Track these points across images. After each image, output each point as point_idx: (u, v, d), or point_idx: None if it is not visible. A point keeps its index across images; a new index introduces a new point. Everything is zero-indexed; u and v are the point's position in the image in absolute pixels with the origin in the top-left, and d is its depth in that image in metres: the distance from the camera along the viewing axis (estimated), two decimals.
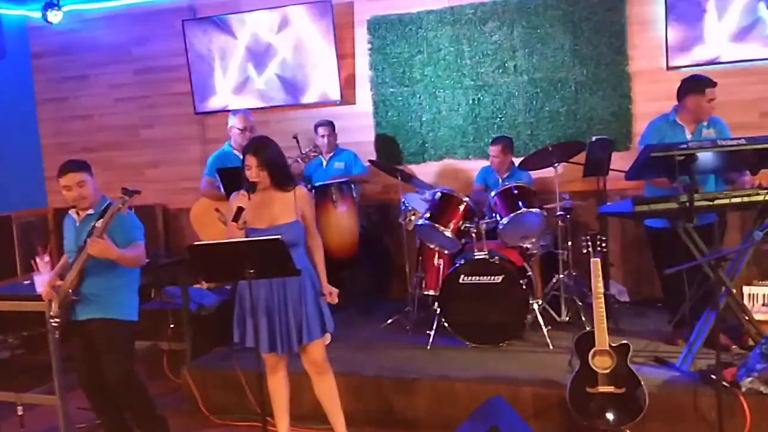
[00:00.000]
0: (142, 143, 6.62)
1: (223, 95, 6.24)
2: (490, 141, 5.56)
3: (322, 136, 5.47)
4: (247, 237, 3.28)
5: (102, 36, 6.58)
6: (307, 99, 6.04)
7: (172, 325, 4.92)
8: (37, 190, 6.85)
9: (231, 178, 4.50)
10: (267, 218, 3.38)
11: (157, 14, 6.38)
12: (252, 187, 3.34)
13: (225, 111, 5.78)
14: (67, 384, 4.04)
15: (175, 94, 6.44)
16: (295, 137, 5.38)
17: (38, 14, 6.25)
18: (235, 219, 3.25)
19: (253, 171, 3.32)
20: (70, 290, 3.45)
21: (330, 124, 5.53)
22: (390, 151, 5.94)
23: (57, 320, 3.46)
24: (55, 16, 6.20)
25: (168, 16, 6.33)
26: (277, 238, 3.06)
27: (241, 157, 4.76)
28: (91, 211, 3.52)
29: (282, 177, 3.39)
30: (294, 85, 6.06)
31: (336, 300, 3.50)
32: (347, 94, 5.99)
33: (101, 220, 3.35)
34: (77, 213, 3.58)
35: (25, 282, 4.40)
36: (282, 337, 3.38)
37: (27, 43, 6.81)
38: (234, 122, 4.95)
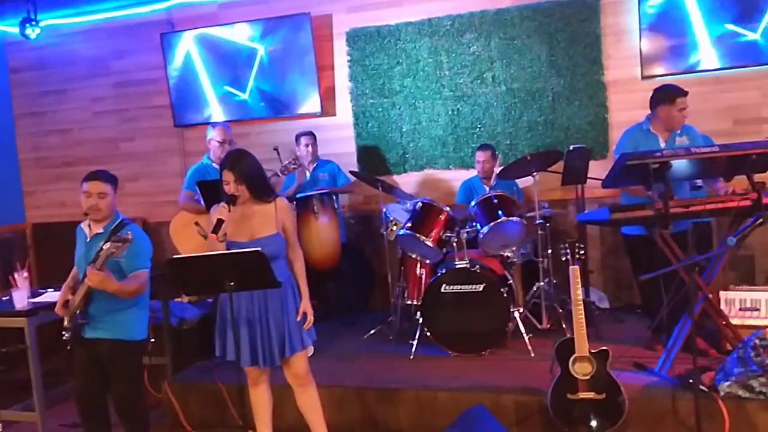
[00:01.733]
0: (121, 156, 6.59)
1: (202, 108, 6.24)
2: (470, 151, 5.64)
3: (306, 146, 5.48)
4: (228, 250, 3.28)
5: (80, 50, 6.56)
6: (287, 111, 6.06)
7: (152, 339, 4.86)
8: (15, 205, 6.79)
9: (211, 191, 4.49)
10: (248, 232, 3.37)
11: (136, 28, 6.38)
12: (232, 200, 3.34)
13: (205, 123, 5.77)
14: (48, 400, 4.01)
15: (154, 107, 6.44)
16: (275, 149, 5.38)
17: (16, 29, 6.23)
18: (215, 231, 3.23)
19: (231, 186, 3.32)
20: (78, 312, 3.42)
21: (311, 135, 5.54)
22: (371, 162, 5.96)
23: (67, 335, 3.44)
24: (33, 31, 6.18)
25: (146, 29, 6.33)
26: (258, 251, 3.06)
27: (219, 171, 4.81)
28: (101, 230, 3.48)
29: (260, 189, 3.38)
30: (274, 98, 6.07)
31: (310, 323, 3.45)
32: (327, 106, 6.02)
33: (107, 244, 3.29)
34: (89, 227, 3.54)
35: (4, 298, 4.35)
36: (264, 350, 3.38)
37: (4, 58, 6.77)
38: (213, 135, 4.94)
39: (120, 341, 3.47)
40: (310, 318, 3.45)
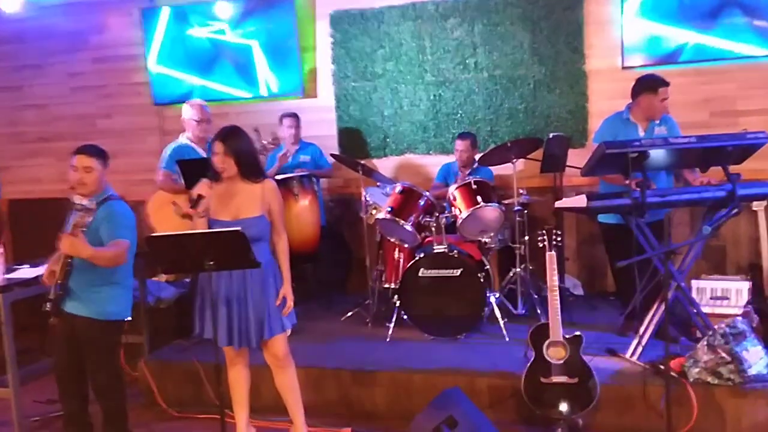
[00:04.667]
0: (98, 133, 6.47)
1: (182, 86, 6.18)
2: (451, 137, 5.65)
3: (289, 127, 5.46)
4: (210, 228, 3.27)
5: (58, 24, 6.44)
6: (268, 92, 6.02)
7: (129, 318, 4.86)
8: None
9: (192, 170, 4.47)
10: (232, 210, 3.36)
11: (116, 3, 6.28)
12: (216, 177, 3.32)
13: (183, 102, 5.72)
14: (23, 376, 3.98)
15: (133, 84, 6.35)
16: (256, 130, 5.33)
17: None
18: (194, 206, 3.22)
19: (218, 157, 3.30)
20: (58, 282, 3.39)
21: (295, 116, 5.52)
22: (352, 145, 5.96)
23: (48, 306, 3.39)
24: (10, 4, 6.04)
25: (126, 4, 6.23)
26: (237, 230, 3.06)
27: (198, 149, 4.79)
28: (84, 202, 3.43)
29: (249, 168, 3.36)
30: (255, 78, 6.03)
31: (289, 308, 3.45)
32: (309, 88, 5.99)
33: (79, 214, 3.28)
34: (75, 205, 3.48)
35: None
36: (241, 331, 3.38)
37: None
38: (190, 114, 4.87)
39: (95, 319, 3.43)
40: (290, 303, 3.45)
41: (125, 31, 6.28)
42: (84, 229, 3.32)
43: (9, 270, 4.14)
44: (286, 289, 3.45)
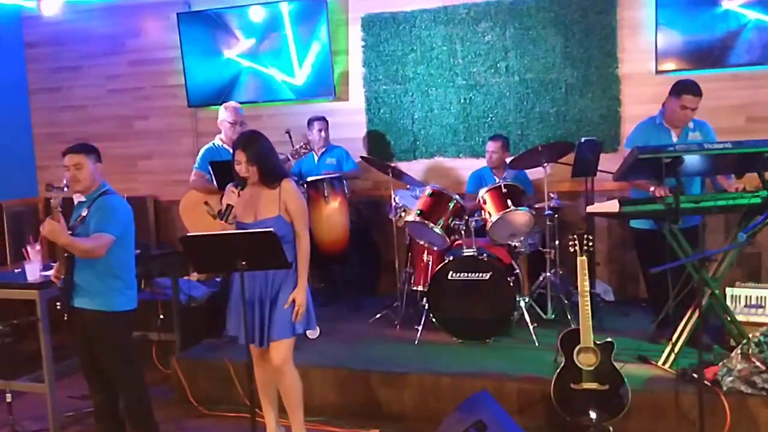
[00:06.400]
0: (135, 135, 6.62)
1: (216, 88, 6.26)
2: (481, 140, 5.65)
3: (319, 131, 5.51)
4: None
5: (96, 27, 6.57)
6: (300, 94, 6.07)
7: (161, 316, 4.95)
8: (28, 179, 6.84)
9: (223, 171, 4.52)
10: (253, 212, 3.40)
11: (152, 6, 6.39)
12: (243, 183, 3.36)
13: (218, 104, 5.79)
14: (58, 372, 4.06)
15: (169, 87, 6.45)
16: (287, 132, 5.41)
17: (33, 4, 6.25)
18: (224, 217, 3.26)
19: (242, 166, 3.34)
20: (62, 277, 3.45)
21: (324, 120, 5.57)
22: (381, 148, 5.98)
23: (58, 303, 3.47)
24: (49, 7, 6.19)
25: (163, 8, 6.34)
26: (270, 231, 3.09)
27: (231, 151, 4.84)
28: (83, 198, 3.51)
29: (270, 172, 3.38)
30: (287, 81, 6.08)
31: (297, 315, 3.38)
32: (340, 91, 6.03)
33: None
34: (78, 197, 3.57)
35: (16, 270, 4.40)
36: (256, 331, 3.40)
37: (21, 33, 6.79)
38: (225, 116, 4.96)
39: (102, 311, 3.45)
40: (298, 308, 3.37)
41: (161, 35, 6.39)
42: (80, 220, 3.38)
43: (46, 267, 4.24)
44: (297, 293, 3.39)
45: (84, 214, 3.41)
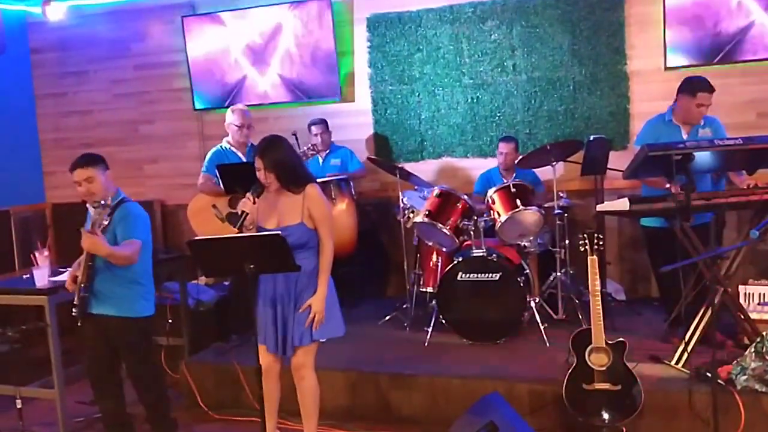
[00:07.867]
0: (140, 139, 6.62)
1: (222, 92, 6.25)
2: (489, 140, 5.63)
3: (316, 135, 5.50)
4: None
5: (101, 31, 6.58)
6: (306, 96, 6.06)
7: (170, 320, 4.93)
8: (35, 185, 6.86)
9: (230, 174, 4.52)
10: (275, 219, 3.37)
11: (157, 10, 6.39)
12: (258, 191, 3.33)
13: (224, 107, 5.79)
14: (67, 378, 4.06)
15: (174, 90, 6.45)
16: (294, 134, 5.39)
17: (38, 9, 6.25)
18: (238, 225, 3.24)
19: (262, 173, 3.32)
20: (82, 285, 3.46)
21: (323, 122, 5.55)
22: (388, 148, 5.96)
23: (75, 310, 3.47)
24: (54, 12, 6.20)
25: (167, 12, 6.34)
26: (277, 234, 3.07)
27: (239, 154, 4.84)
28: (95, 206, 3.48)
29: (290, 178, 3.33)
30: (293, 82, 6.07)
31: (315, 321, 3.33)
32: (346, 92, 6.01)
33: (96, 211, 3.36)
34: (93, 207, 3.57)
35: (24, 276, 4.40)
36: (277, 339, 3.38)
37: (26, 39, 6.81)
38: (232, 119, 4.94)
39: (124, 318, 3.49)
40: (315, 315, 3.32)
41: (166, 39, 6.38)
42: (102, 229, 3.39)
43: (54, 273, 4.24)
44: (314, 300, 3.33)
45: (106, 223, 3.41)
